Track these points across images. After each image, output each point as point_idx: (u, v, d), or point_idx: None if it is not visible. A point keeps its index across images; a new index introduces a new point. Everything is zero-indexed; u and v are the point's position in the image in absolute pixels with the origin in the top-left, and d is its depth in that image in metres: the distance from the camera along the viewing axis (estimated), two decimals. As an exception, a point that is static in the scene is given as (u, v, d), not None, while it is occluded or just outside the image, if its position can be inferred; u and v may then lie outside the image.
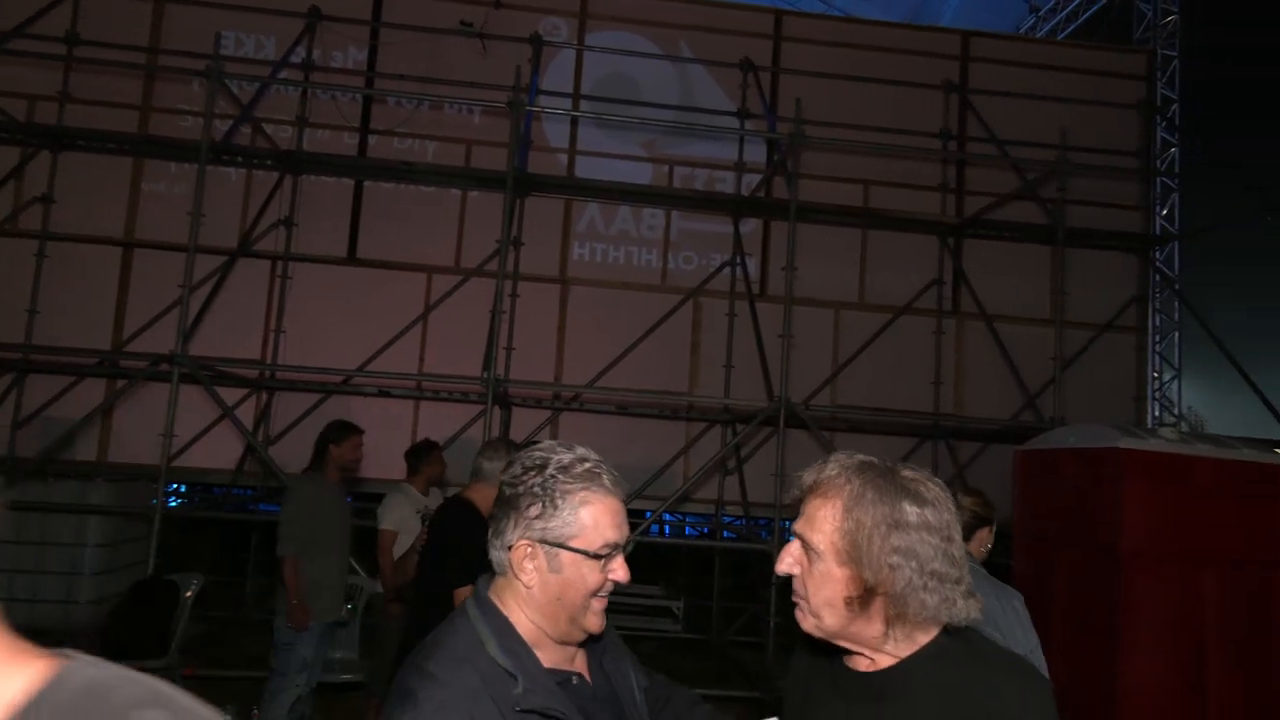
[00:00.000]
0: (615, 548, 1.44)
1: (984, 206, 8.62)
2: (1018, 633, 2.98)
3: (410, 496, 5.22)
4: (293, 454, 7.58)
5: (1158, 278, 9.66)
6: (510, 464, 1.51)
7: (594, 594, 1.43)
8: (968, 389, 9.03)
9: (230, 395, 7.46)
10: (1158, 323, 9.97)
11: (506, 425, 8.15)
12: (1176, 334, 10.08)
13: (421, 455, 5.33)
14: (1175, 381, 10.06)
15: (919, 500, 1.39)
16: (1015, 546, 6.51)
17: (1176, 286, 9.59)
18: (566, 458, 1.45)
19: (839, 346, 8.87)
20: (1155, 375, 9.91)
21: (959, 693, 1.35)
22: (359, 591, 5.72)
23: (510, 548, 1.44)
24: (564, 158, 8.91)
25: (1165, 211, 9.89)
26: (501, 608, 1.45)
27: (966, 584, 1.39)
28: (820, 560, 1.40)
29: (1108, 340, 9.04)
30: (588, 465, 1.45)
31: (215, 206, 7.60)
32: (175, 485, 8.70)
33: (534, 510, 1.42)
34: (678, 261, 9.00)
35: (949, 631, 1.41)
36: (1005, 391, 8.50)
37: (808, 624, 1.44)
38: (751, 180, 8.84)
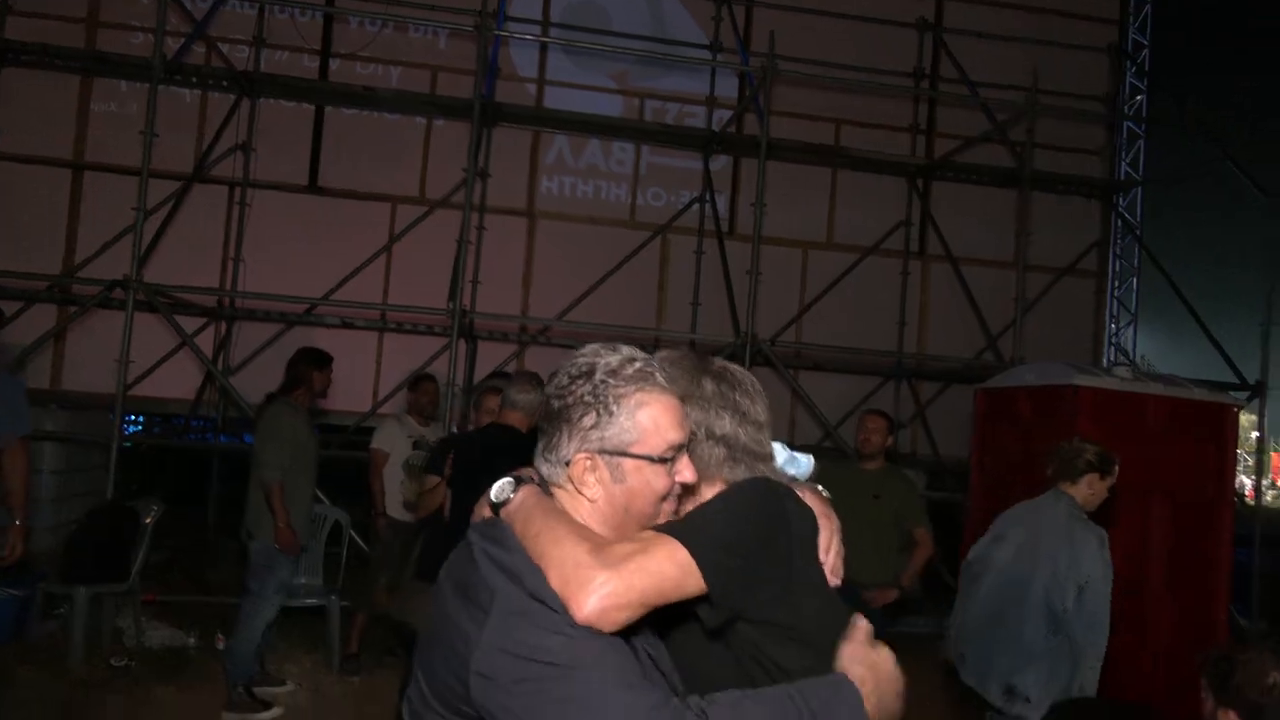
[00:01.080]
0: (679, 448, 1.35)
1: (953, 148, 8.63)
2: (1081, 576, 3.34)
3: (405, 424, 5.58)
4: (253, 384, 7.46)
5: (1119, 224, 9.78)
6: (554, 375, 1.41)
7: (662, 499, 1.36)
8: (931, 330, 9.14)
9: (189, 324, 7.29)
10: (1118, 269, 10.12)
11: (472, 359, 8.11)
12: (1135, 280, 10.24)
13: (413, 387, 5.75)
14: (1131, 327, 10.26)
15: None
16: (972, 482, 6.67)
17: (1137, 233, 9.71)
18: (614, 360, 1.35)
19: (806, 286, 8.90)
20: (1113, 320, 10.09)
21: None
22: (322, 520, 5.72)
23: (568, 463, 1.34)
24: (532, 88, 8.72)
25: (1130, 158, 9.96)
26: None
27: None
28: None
29: (1068, 284, 9.18)
30: (638, 365, 1.35)
31: (169, 129, 7.33)
32: (133, 415, 8.55)
33: (589, 420, 1.32)
34: (646, 197, 8.91)
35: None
36: (967, 333, 8.61)
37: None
38: (723, 116, 8.73)
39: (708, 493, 1.48)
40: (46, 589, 5.20)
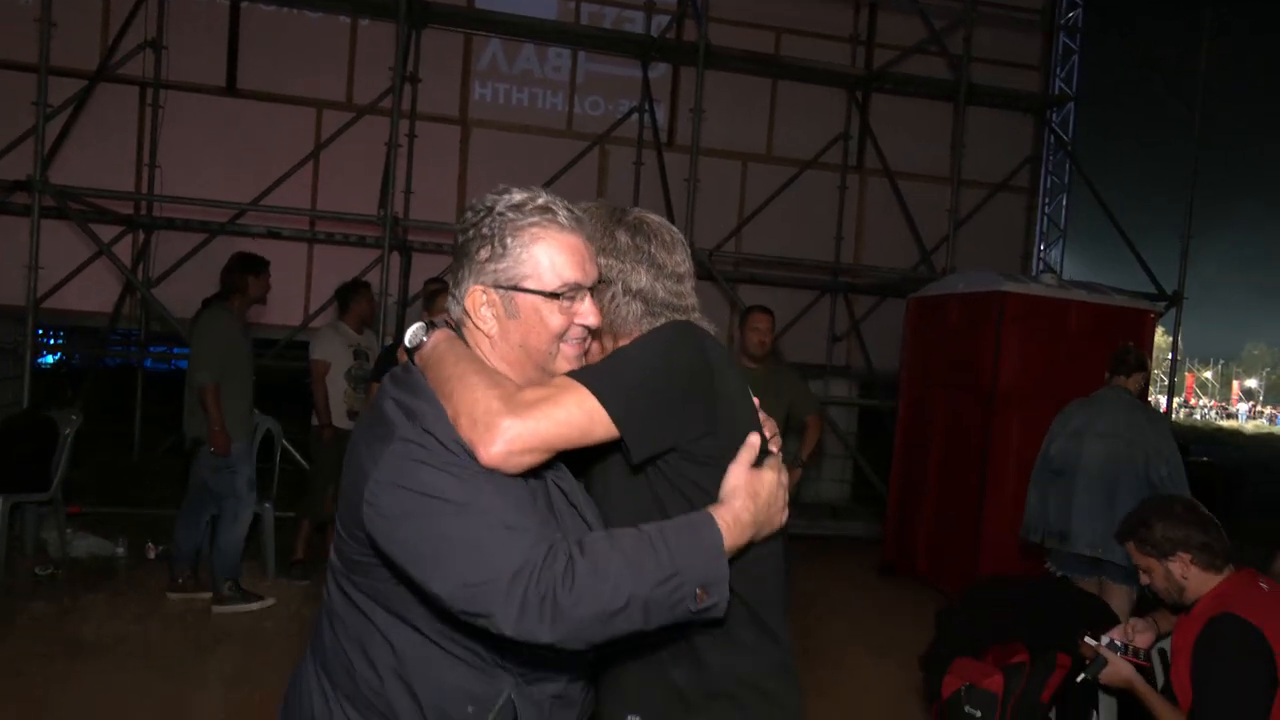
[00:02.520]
0: (577, 287, 1.35)
1: (892, 59, 8.58)
2: (1165, 449, 4.17)
3: (342, 333, 5.47)
4: (176, 296, 7.21)
5: (1052, 140, 9.93)
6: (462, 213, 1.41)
7: (559, 338, 1.35)
8: (867, 244, 9.23)
9: (104, 234, 6.95)
10: (1048, 185, 10.31)
11: (406, 271, 7.93)
12: (1065, 197, 10.47)
13: (350, 294, 5.56)
14: (1059, 244, 10.52)
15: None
16: (900, 389, 6.86)
17: (1069, 149, 9.87)
18: (518, 196, 1.34)
19: (745, 199, 8.87)
20: (1043, 238, 10.33)
21: None
22: (254, 429, 5.62)
23: (465, 295, 1.35)
24: (463, -12, 8.34)
25: (1064, 74, 10.06)
26: None
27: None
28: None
29: (1000, 200, 9.33)
30: (540, 201, 1.34)
31: (70, 23, 6.86)
32: (50, 328, 8.21)
33: (484, 253, 1.33)
34: (584, 106, 8.70)
35: None
36: (902, 247, 8.72)
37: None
38: (661, 22, 8.50)
39: None
40: (-39, 500, 5.03)
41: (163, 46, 7.48)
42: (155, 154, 7.57)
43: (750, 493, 1.32)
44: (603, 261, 1.44)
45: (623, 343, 1.45)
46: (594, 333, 1.42)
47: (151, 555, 5.41)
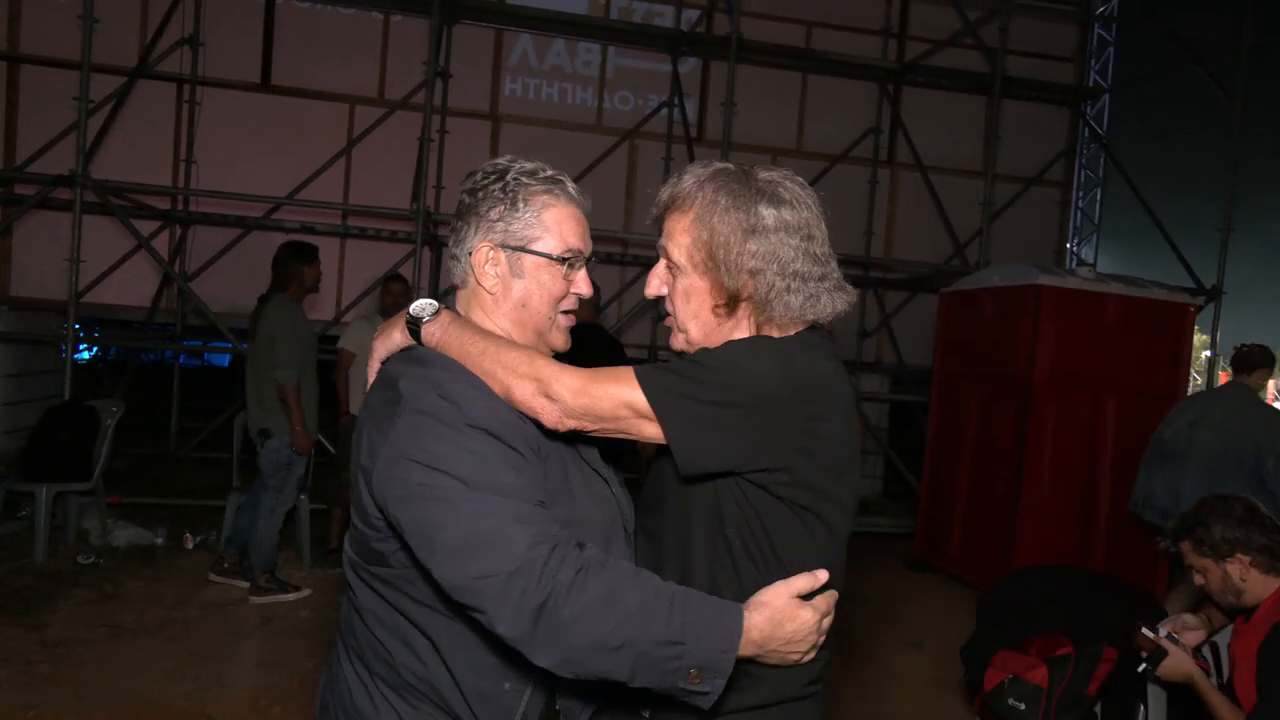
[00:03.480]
0: (579, 255, 1.40)
1: (924, 51, 8.50)
2: (1278, 444, 4.36)
3: (375, 323, 5.46)
4: (212, 290, 7.32)
5: (1086, 133, 9.79)
6: (469, 175, 1.43)
7: (558, 303, 1.40)
8: (898, 239, 9.16)
9: (142, 230, 7.05)
10: (1082, 179, 10.17)
11: (437, 266, 7.98)
12: (1099, 191, 10.31)
13: (384, 288, 5.70)
14: (1094, 237, 10.37)
15: (776, 201, 1.35)
16: (934, 381, 6.80)
17: (1104, 142, 9.72)
18: (530, 165, 1.40)
19: (774, 193, 8.81)
20: (1076, 233, 10.19)
21: None
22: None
23: (471, 253, 1.38)
24: (494, -17, 8.37)
25: (1099, 66, 9.91)
26: (474, 323, 1.39)
27: (833, 279, 1.39)
28: (683, 274, 1.38)
29: (1034, 193, 9.21)
30: (550, 173, 1.41)
31: (110, 20, 6.96)
32: (87, 322, 8.35)
33: (495, 212, 1.37)
34: (613, 101, 8.71)
35: (815, 328, 1.41)
36: (934, 242, 8.64)
37: (677, 341, 1.43)
38: (691, 17, 8.48)
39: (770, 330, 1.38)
40: (8, 488, 5.13)
41: (200, 43, 7.58)
42: (192, 149, 7.67)
43: (774, 619, 1.23)
44: (752, 247, 1.33)
45: (766, 326, 1.38)
46: (730, 305, 1.35)
47: (189, 546, 5.48)
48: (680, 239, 1.37)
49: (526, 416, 1.29)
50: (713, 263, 1.34)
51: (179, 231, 7.70)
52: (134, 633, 4.16)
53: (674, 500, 1.38)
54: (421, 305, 1.38)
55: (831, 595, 1.31)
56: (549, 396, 1.25)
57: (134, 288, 7.58)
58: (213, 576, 4.87)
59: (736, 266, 1.33)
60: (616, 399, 1.25)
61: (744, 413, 1.24)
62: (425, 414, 1.22)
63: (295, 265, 4.77)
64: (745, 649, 1.20)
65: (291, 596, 4.77)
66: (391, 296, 5.60)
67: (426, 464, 1.18)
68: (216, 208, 7.45)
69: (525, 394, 1.26)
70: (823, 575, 1.28)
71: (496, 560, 1.12)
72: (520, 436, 1.26)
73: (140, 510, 5.96)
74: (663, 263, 1.42)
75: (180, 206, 7.62)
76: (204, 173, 7.61)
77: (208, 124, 7.68)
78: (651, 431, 1.27)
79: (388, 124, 7.68)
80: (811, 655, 1.28)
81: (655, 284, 1.43)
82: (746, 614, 1.21)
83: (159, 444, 8.03)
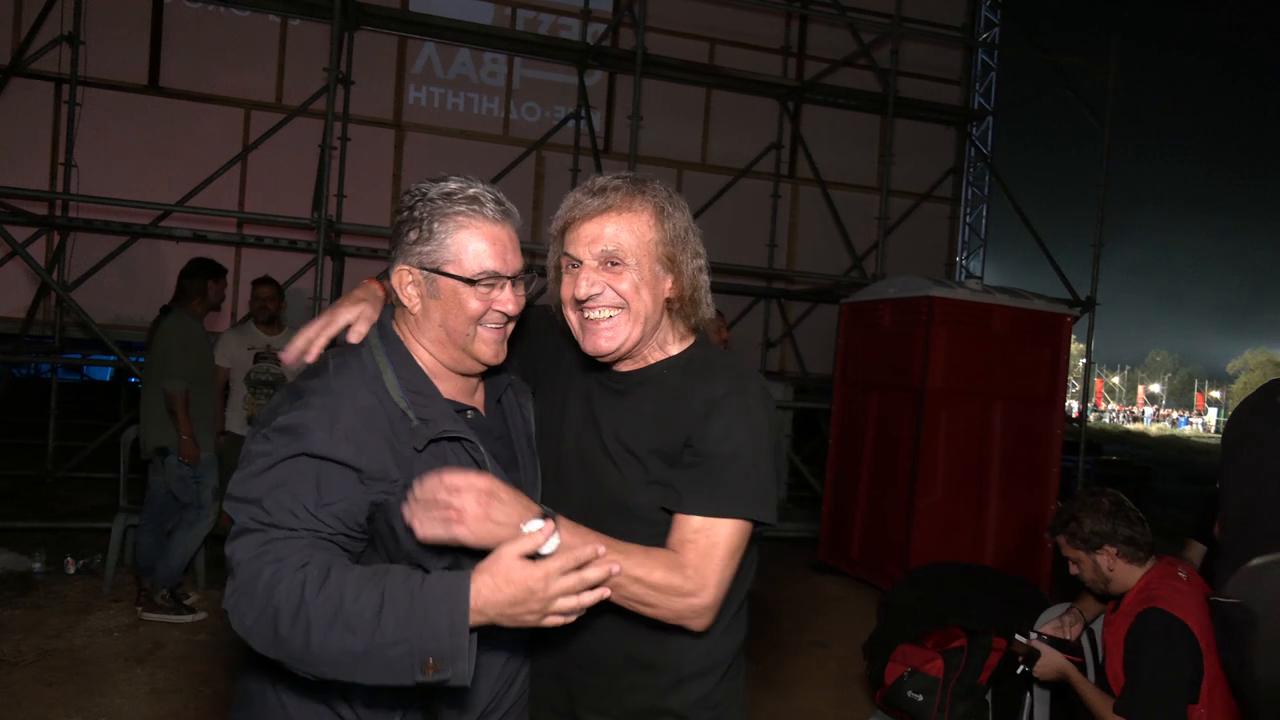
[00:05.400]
0: (495, 276, 1.40)
1: (822, 70, 8.82)
2: None
3: (246, 334, 5.30)
4: (95, 300, 6.94)
5: (973, 152, 10.33)
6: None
7: (477, 321, 1.41)
8: (799, 251, 9.44)
9: (16, 236, 6.63)
10: (970, 195, 10.72)
11: (339, 277, 7.78)
12: (985, 207, 10.89)
13: (252, 292, 5.41)
14: (981, 251, 10.95)
15: (685, 207, 1.52)
16: (835, 389, 7.03)
17: (989, 160, 10.28)
18: (452, 185, 1.40)
19: (680, 206, 8.95)
20: (964, 247, 10.73)
21: (678, 390, 1.48)
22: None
23: (392, 275, 1.42)
24: (398, -10, 8.26)
25: (983, 89, 10.49)
26: (402, 338, 1.44)
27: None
28: (637, 270, 1.44)
29: (926, 209, 9.67)
30: (472, 192, 1.40)
31: (-20, 14, 6.56)
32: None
33: (412, 235, 1.39)
34: (520, 112, 8.70)
35: (700, 345, 1.56)
36: (833, 254, 8.95)
37: (615, 340, 1.46)
38: (597, 30, 8.57)
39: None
40: None
41: (80, 41, 7.20)
42: (71, 152, 7.26)
43: (493, 584, 1.17)
44: (696, 244, 1.51)
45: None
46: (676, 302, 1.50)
47: (71, 570, 5.18)
48: (643, 236, 1.45)
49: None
50: (674, 258, 1.47)
51: (58, 238, 7.27)
52: (11, 664, 3.90)
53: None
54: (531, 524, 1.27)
55: (576, 553, 1.20)
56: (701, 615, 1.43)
57: (8, 298, 7.12)
58: (146, 616, 4.56)
59: (688, 264, 1.48)
60: (741, 542, 1.45)
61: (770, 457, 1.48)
62: (262, 427, 1.34)
63: (202, 281, 4.69)
64: (474, 618, 1.17)
65: (186, 619, 4.58)
66: (259, 301, 5.29)
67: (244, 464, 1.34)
68: (100, 214, 7.08)
69: (671, 605, 1.41)
70: (542, 533, 1.20)
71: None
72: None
73: (15, 535, 5.60)
74: (592, 264, 1.45)
75: (59, 212, 7.21)
76: (86, 177, 7.21)
77: (90, 126, 7.29)
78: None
79: (286, 130, 7.46)
80: (554, 619, 1.20)
81: (592, 283, 1.46)
82: (473, 580, 1.17)
83: (35, 463, 7.54)
